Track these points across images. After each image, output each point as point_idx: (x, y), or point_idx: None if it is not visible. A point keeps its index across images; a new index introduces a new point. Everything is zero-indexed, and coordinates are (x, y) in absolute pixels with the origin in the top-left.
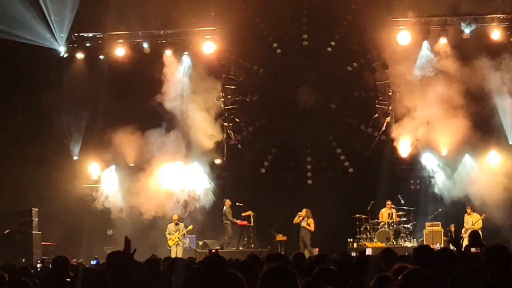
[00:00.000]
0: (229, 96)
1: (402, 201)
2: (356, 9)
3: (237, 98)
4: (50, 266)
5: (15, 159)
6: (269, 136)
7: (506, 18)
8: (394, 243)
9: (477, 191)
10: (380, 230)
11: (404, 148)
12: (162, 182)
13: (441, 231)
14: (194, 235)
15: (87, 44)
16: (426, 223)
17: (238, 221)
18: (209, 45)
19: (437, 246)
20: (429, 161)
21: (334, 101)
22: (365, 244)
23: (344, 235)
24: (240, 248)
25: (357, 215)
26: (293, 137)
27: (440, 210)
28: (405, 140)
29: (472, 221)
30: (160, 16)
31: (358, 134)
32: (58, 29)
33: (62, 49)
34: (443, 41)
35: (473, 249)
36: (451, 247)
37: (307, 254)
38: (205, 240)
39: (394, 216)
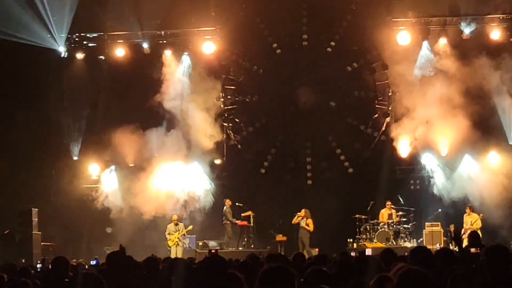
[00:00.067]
0: (229, 96)
1: (402, 202)
2: (356, 9)
3: (237, 98)
4: (50, 267)
5: (15, 159)
6: (269, 136)
7: (506, 18)
8: (394, 243)
9: (477, 191)
10: (380, 230)
11: (403, 148)
12: (162, 182)
13: (441, 231)
14: (194, 235)
15: (87, 44)
16: (426, 223)
17: (238, 222)
18: (209, 45)
19: (437, 246)
20: (429, 161)
21: (333, 101)
22: (365, 245)
23: (344, 235)
24: (240, 248)
25: (357, 215)
26: (293, 137)
27: (439, 210)
28: (404, 140)
29: (471, 222)
30: (160, 16)
31: (358, 134)
32: (58, 30)
33: (62, 50)
34: (443, 41)
35: (472, 250)
36: (451, 247)
37: (306, 255)
38: (205, 240)
39: (394, 216)
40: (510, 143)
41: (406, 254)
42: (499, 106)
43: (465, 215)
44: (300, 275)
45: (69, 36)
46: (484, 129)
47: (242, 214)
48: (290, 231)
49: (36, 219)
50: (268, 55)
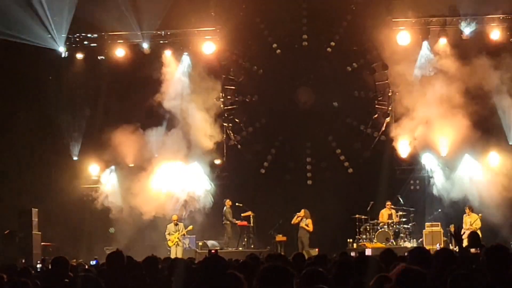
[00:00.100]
0: (228, 97)
1: (402, 202)
2: (356, 10)
3: (236, 99)
4: (50, 267)
5: (15, 159)
6: (269, 136)
7: (506, 19)
8: (394, 243)
9: (477, 192)
10: (380, 230)
11: (403, 149)
12: (162, 182)
13: (440, 231)
14: (194, 236)
15: (87, 44)
16: (426, 223)
17: (238, 222)
18: (209, 45)
19: (437, 247)
20: (428, 162)
21: (333, 101)
22: (364, 245)
23: (344, 235)
24: (240, 248)
25: (357, 216)
26: (292, 137)
27: (439, 210)
28: (404, 141)
29: (470, 222)
30: (160, 16)
31: (358, 134)
32: (58, 30)
33: (62, 50)
34: (443, 41)
35: (472, 250)
36: (451, 247)
37: (305, 255)
38: (204, 241)
39: (394, 216)
40: (510, 143)
41: (406, 254)
42: (499, 106)
43: (464, 215)
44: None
45: (69, 36)
46: (484, 129)
47: (242, 214)
48: (290, 231)
49: (36, 219)
50: (268, 55)
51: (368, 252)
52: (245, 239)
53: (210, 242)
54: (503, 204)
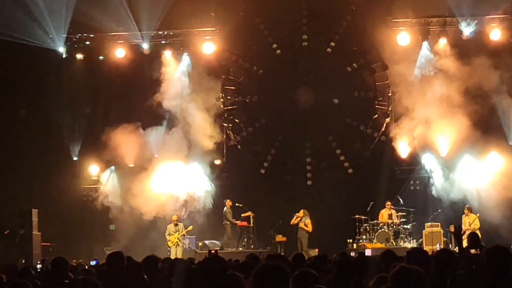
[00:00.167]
0: (228, 97)
1: (402, 202)
2: (356, 10)
3: (236, 99)
4: (49, 267)
5: (15, 159)
6: (269, 136)
7: (506, 19)
8: (394, 244)
9: (477, 192)
10: (380, 231)
11: (403, 149)
12: (162, 182)
13: (440, 231)
14: (194, 236)
15: (87, 45)
16: (426, 223)
17: (237, 222)
18: (209, 46)
19: (437, 247)
20: (428, 162)
21: (333, 102)
22: (364, 245)
23: (343, 235)
24: (240, 249)
25: (356, 216)
26: (292, 137)
27: (439, 210)
28: (404, 141)
29: (469, 222)
30: (160, 17)
31: (358, 134)
32: (58, 30)
33: (62, 50)
34: (443, 41)
35: (472, 251)
36: (451, 247)
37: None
38: (204, 241)
39: (394, 217)
40: (510, 143)
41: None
42: (499, 107)
43: (463, 216)
44: None
45: (69, 36)
46: (484, 129)
47: (242, 215)
48: (290, 231)
49: (36, 220)
50: (268, 55)
51: (368, 252)
52: (245, 240)
53: (210, 243)
54: (503, 205)
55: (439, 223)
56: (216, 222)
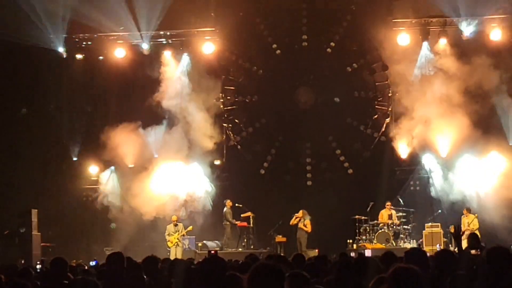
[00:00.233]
0: (228, 97)
1: (402, 202)
2: (356, 10)
3: (236, 99)
4: (49, 267)
5: (15, 160)
6: (269, 137)
7: (506, 19)
8: (394, 244)
9: (477, 192)
10: (380, 231)
11: (403, 149)
12: (162, 183)
13: (440, 232)
14: (194, 236)
15: (87, 45)
16: (426, 224)
17: (237, 222)
18: (209, 46)
19: (437, 247)
20: (428, 162)
21: (333, 102)
22: (364, 245)
23: (343, 236)
24: (240, 249)
25: (356, 216)
26: (292, 137)
27: (439, 211)
28: (404, 141)
29: (468, 223)
30: (160, 17)
31: (358, 134)
32: (58, 30)
33: (62, 50)
34: (443, 41)
35: (473, 251)
36: (451, 247)
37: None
38: (204, 241)
39: (394, 217)
40: (511, 143)
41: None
42: (499, 106)
43: (462, 216)
44: None
45: (69, 36)
46: (484, 129)
47: (242, 215)
48: (290, 232)
49: (36, 220)
50: (268, 55)
51: (368, 253)
52: (245, 240)
53: (209, 243)
54: (503, 205)
55: (439, 224)
56: (216, 223)
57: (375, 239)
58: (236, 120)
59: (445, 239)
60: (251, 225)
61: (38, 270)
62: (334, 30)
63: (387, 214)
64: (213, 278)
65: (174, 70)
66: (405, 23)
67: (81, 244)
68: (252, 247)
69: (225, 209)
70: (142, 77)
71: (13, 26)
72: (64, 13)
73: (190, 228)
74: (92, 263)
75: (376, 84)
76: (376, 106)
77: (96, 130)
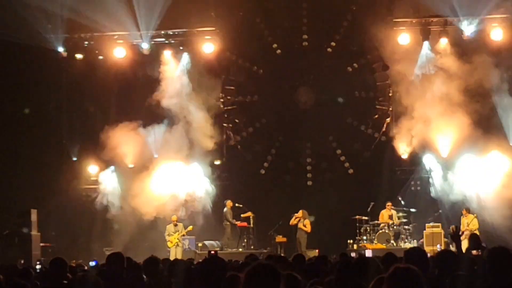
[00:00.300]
0: (228, 97)
1: (402, 202)
2: (357, 10)
3: (236, 99)
4: (48, 267)
5: (14, 159)
6: (269, 137)
7: (507, 18)
8: (394, 244)
9: (477, 192)
10: (380, 231)
11: (404, 149)
12: (161, 183)
13: (441, 232)
14: (194, 236)
15: (87, 44)
16: (426, 224)
17: (237, 223)
18: (209, 46)
19: (437, 247)
20: (429, 162)
21: (334, 102)
22: (365, 246)
23: (344, 236)
24: (240, 249)
25: (357, 217)
26: (293, 137)
27: (440, 211)
28: (405, 141)
29: (467, 223)
30: (160, 17)
31: (358, 134)
32: (58, 30)
33: (61, 50)
34: (444, 41)
35: (474, 252)
36: (452, 248)
37: None
38: (204, 242)
39: (394, 217)
40: (511, 143)
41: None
42: (499, 106)
43: (461, 216)
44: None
45: (69, 36)
46: (485, 128)
47: (242, 215)
48: (290, 232)
49: (36, 220)
50: (268, 55)
51: (368, 253)
52: (245, 240)
53: (209, 243)
54: (504, 205)
55: (439, 224)
56: (216, 223)
57: (376, 239)
58: (236, 120)
59: (446, 239)
60: (251, 225)
61: (38, 270)
62: (335, 29)
63: (388, 214)
64: (213, 278)
65: (174, 70)
66: (405, 23)
67: (81, 244)
68: (252, 247)
69: (225, 209)
70: (142, 76)
71: (13, 26)
72: (64, 13)
73: (190, 228)
74: (92, 263)
75: (377, 84)
76: (377, 106)
77: (96, 130)
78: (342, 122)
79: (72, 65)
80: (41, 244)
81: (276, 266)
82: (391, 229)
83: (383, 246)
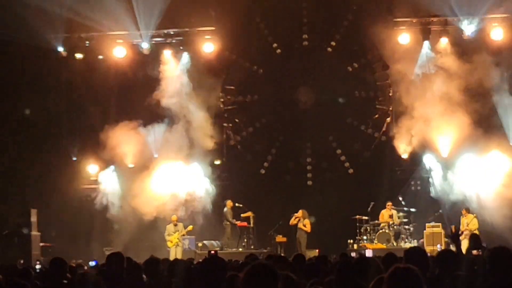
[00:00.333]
0: (228, 97)
1: (403, 202)
2: (357, 9)
3: (236, 99)
4: (48, 267)
5: (14, 159)
6: (269, 136)
7: (507, 18)
8: (395, 244)
9: (478, 192)
10: (381, 231)
11: (404, 149)
12: (161, 182)
13: (441, 232)
14: (194, 236)
15: (87, 44)
16: (427, 224)
17: (237, 222)
18: (209, 45)
19: (437, 247)
20: (429, 162)
21: (334, 101)
22: (365, 246)
23: (344, 236)
24: (240, 249)
25: (357, 216)
26: (293, 137)
27: (440, 211)
28: (405, 141)
29: (467, 223)
30: (160, 16)
31: (359, 134)
32: (57, 30)
33: (61, 50)
34: (444, 41)
35: (474, 252)
36: (451, 247)
37: None
38: (204, 241)
39: (394, 217)
40: (511, 143)
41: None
42: (500, 105)
43: (461, 216)
44: (301, 276)
45: (68, 36)
46: (485, 128)
47: (242, 215)
48: (290, 232)
49: (36, 220)
50: (268, 55)
51: (368, 253)
52: (245, 240)
53: (209, 243)
54: (504, 204)
55: (440, 224)
56: (216, 223)
57: (376, 239)
58: (236, 120)
59: (446, 239)
60: (251, 225)
61: (38, 270)
62: (335, 29)
63: (388, 214)
64: (213, 278)
65: (174, 69)
66: (406, 23)
67: (81, 244)
68: (252, 247)
69: (225, 209)
70: (142, 76)
71: (13, 26)
72: (63, 13)
73: (190, 227)
74: (92, 263)
75: (377, 83)
76: (377, 106)
77: (96, 129)
78: (342, 122)
79: (72, 65)
80: (41, 244)
81: (274, 266)
82: (391, 229)
83: (383, 246)
